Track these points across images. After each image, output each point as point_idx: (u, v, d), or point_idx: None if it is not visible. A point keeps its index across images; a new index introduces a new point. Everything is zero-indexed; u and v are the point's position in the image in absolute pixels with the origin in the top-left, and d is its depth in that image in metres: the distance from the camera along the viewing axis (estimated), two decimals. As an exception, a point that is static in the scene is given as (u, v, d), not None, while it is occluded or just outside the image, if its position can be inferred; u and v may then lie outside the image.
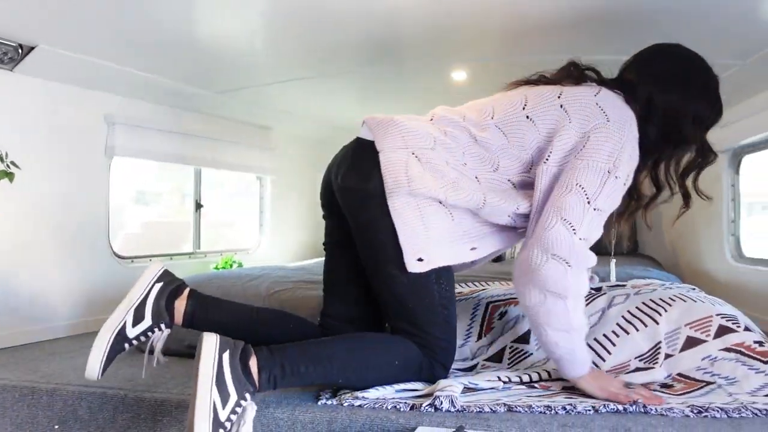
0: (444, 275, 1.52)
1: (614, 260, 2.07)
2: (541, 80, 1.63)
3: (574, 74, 1.60)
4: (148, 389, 1.65)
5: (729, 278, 3.20)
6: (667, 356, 1.61)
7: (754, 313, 2.85)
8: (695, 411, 1.35)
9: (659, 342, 1.63)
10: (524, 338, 1.76)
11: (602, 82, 1.59)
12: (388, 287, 1.52)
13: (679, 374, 1.58)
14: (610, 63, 2.45)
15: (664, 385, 1.56)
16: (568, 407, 1.38)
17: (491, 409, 1.38)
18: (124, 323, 1.47)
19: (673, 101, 1.52)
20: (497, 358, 1.73)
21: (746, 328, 1.64)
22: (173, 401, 1.59)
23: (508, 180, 1.52)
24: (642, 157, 1.51)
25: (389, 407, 1.41)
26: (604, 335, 1.69)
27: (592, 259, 1.47)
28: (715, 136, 2.94)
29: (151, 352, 1.52)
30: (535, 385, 1.57)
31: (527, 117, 1.50)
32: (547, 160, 1.46)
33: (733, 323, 1.64)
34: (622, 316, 1.71)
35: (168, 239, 3.39)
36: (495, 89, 3.14)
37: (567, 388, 1.54)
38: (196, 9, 2.00)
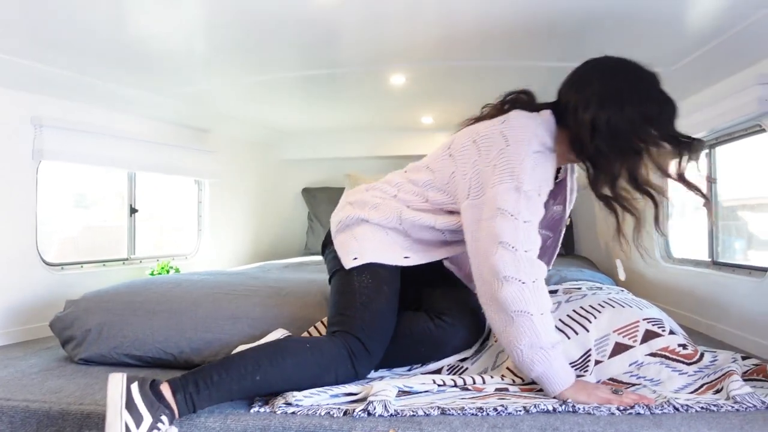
0: (370, 273, 1.67)
1: (618, 260, 2.13)
2: (484, 115, 1.74)
3: (501, 108, 1.72)
4: (75, 401, 1.59)
5: (659, 278, 3.32)
6: (597, 363, 1.65)
7: (681, 311, 2.97)
8: (621, 408, 1.39)
9: (589, 349, 1.66)
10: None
11: (535, 106, 1.68)
12: (330, 295, 1.75)
13: (610, 379, 1.62)
14: (545, 69, 2.51)
15: (593, 385, 1.60)
16: (499, 408, 1.40)
17: (424, 413, 1.39)
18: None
19: (615, 117, 1.54)
20: (435, 371, 1.74)
21: (671, 332, 1.70)
22: (101, 414, 1.53)
23: (434, 205, 1.70)
24: (605, 170, 1.59)
25: (323, 413, 1.40)
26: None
27: (542, 268, 1.54)
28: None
29: None
30: (469, 387, 1.58)
31: (450, 155, 1.68)
32: (468, 196, 1.59)
33: (658, 327, 1.70)
34: (555, 326, 1.74)
35: (108, 244, 3.28)
36: (433, 93, 3.20)
37: (500, 389, 1.56)
38: (127, 8, 1.94)
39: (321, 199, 4.62)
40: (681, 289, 3.02)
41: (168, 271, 3.22)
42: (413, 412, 1.40)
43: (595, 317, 1.72)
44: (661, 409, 1.39)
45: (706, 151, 2.79)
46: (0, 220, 2.42)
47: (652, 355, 1.64)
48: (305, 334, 1.87)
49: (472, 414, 1.38)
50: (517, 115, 1.62)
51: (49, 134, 2.58)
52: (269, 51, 2.43)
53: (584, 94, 1.58)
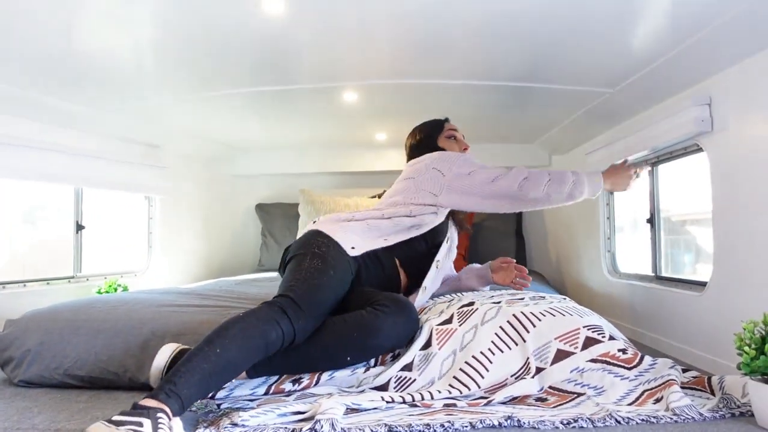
0: (322, 259, 1.91)
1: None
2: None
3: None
4: (12, 426, 1.53)
5: (606, 291, 3.40)
6: (539, 369, 1.69)
7: (627, 324, 3.05)
8: (564, 422, 1.42)
9: (528, 358, 1.71)
10: (408, 366, 1.77)
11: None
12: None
13: (551, 387, 1.66)
14: (493, 88, 2.57)
15: (539, 399, 1.63)
16: (446, 424, 1.41)
17: (372, 430, 1.39)
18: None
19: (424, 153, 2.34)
20: (383, 388, 1.73)
21: (611, 337, 1.76)
22: (39, 438, 1.49)
23: (406, 204, 2.18)
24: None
25: (269, 433, 1.39)
26: (481, 353, 1.74)
27: (518, 172, 2.13)
28: (594, 158, 3.13)
29: None
30: (417, 403, 1.59)
31: (409, 178, 2.23)
32: (440, 188, 2.15)
33: (598, 334, 1.75)
34: (495, 333, 1.78)
35: (56, 261, 3.19)
36: (386, 110, 3.23)
37: (448, 405, 1.57)
38: (74, 22, 1.91)
39: (275, 215, 4.59)
40: (626, 303, 3.10)
41: (116, 289, 3.14)
42: (360, 430, 1.39)
43: (535, 325, 1.77)
44: (604, 423, 1.42)
45: (649, 168, 2.88)
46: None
47: (593, 361, 1.69)
48: None
49: (420, 431, 1.39)
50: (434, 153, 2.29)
51: (-9, 149, 2.50)
52: (221, 67, 2.42)
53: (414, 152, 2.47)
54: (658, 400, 1.56)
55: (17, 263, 3.09)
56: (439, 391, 1.65)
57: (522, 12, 1.87)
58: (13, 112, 2.65)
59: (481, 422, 1.42)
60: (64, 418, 1.58)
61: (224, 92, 2.79)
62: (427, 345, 1.80)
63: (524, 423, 1.42)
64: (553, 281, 4.21)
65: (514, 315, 1.81)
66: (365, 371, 1.78)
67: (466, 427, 1.41)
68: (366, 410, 1.55)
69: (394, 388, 1.72)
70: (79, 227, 3.19)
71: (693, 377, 1.75)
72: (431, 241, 2.21)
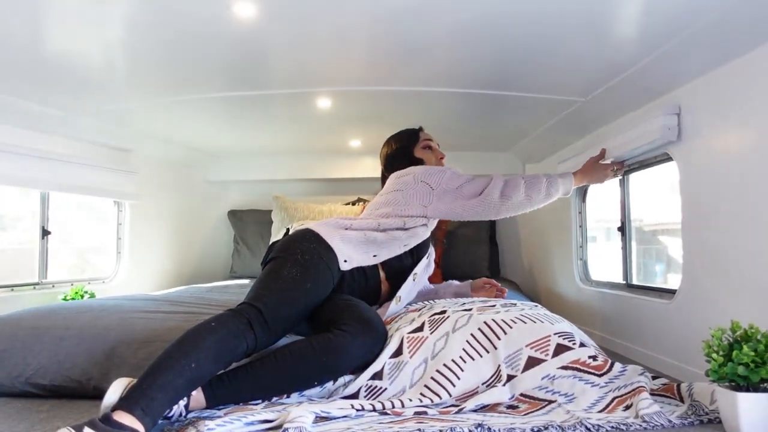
0: (302, 269, 1.85)
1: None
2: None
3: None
4: (-30, 437, 1.48)
5: (578, 299, 3.42)
6: (510, 377, 1.68)
7: (598, 332, 3.07)
8: (535, 430, 1.41)
9: (499, 365, 1.70)
10: (379, 375, 1.75)
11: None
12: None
13: (522, 395, 1.66)
14: (466, 96, 2.58)
15: (510, 407, 1.63)
16: (416, 432, 1.39)
17: (341, 439, 1.37)
18: None
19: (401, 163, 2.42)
20: (354, 397, 1.71)
21: (581, 344, 1.76)
22: (-4, 448, 1.44)
23: (400, 216, 2.19)
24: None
25: (236, 442, 1.36)
26: (453, 361, 1.73)
27: (496, 175, 2.27)
28: (567, 166, 3.16)
29: None
30: (388, 411, 1.57)
31: (397, 191, 2.25)
32: (430, 198, 2.20)
33: (569, 341, 1.76)
34: (467, 341, 1.77)
35: (22, 267, 3.11)
36: (360, 117, 3.22)
37: (419, 413, 1.56)
38: (43, 22, 1.87)
39: (248, 222, 4.54)
40: (597, 311, 3.13)
41: (82, 296, 3.07)
42: (329, 438, 1.37)
43: (506, 333, 1.77)
44: (574, 430, 1.42)
45: (620, 177, 2.91)
46: None
47: (564, 368, 1.70)
48: None
49: (389, 438, 1.37)
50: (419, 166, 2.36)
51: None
52: (192, 70, 2.39)
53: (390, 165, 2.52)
54: (628, 407, 1.56)
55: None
56: (410, 400, 1.63)
57: (493, 21, 1.88)
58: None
59: (451, 430, 1.41)
60: (24, 429, 1.53)
61: (196, 96, 2.75)
62: (398, 353, 1.79)
63: (495, 430, 1.41)
64: (527, 289, 4.23)
65: (485, 322, 1.81)
66: (334, 382, 1.75)
67: (437, 435, 1.39)
68: (335, 418, 1.52)
69: (365, 397, 1.70)
70: (45, 233, 3.12)
71: (662, 384, 1.77)
72: (417, 256, 2.21)
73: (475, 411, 1.60)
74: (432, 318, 1.89)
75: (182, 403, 1.54)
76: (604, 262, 3.39)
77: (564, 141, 3.43)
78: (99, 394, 1.81)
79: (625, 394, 1.62)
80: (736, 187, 1.92)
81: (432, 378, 1.71)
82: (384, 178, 2.49)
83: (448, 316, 1.87)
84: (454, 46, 2.12)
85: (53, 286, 3.13)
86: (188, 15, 1.84)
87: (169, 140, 3.73)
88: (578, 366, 1.70)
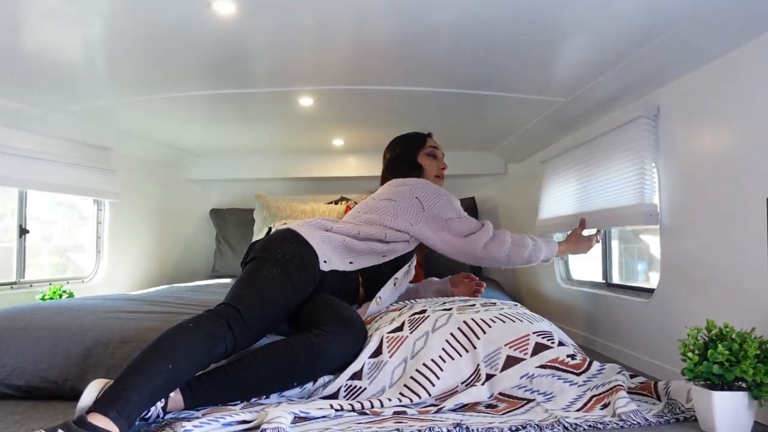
0: (282, 270, 1.83)
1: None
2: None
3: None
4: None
5: (559, 298, 3.44)
6: (489, 376, 1.69)
7: (578, 330, 3.09)
8: (513, 429, 1.42)
9: (478, 365, 1.71)
10: (358, 375, 1.74)
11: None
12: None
13: (501, 393, 1.67)
14: (449, 95, 2.58)
15: (489, 406, 1.63)
16: (395, 432, 1.39)
17: (319, 439, 1.37)
18: None
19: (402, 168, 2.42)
20: (333, 397, 1.70)
21: (560, 343, 1.77)
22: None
23: (383, 227, 2.14)
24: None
25: (214, 443, 1.35)
26: (432, 360, 1.73)
27: (486, 224, 2.22)
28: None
29: None
30: (367, 411, 1.57)
31: (389, 200, 2.21)
32: (418, 218, 2.16)
33: (548, 339, 1.77)
34: (446, 340, 1.77)
35: (7, 265, 3.06)
36: (343, 116, 3.22)
37: (398, 413, 1.56)
38: (21, 19, 1.84)
39: (230, 221, 4.51)
40: (578, 310, 3.15)
41: (60, 296, 3.04)
42: (308, 438, 1.37)
43: (485, 332, 1.78)
44: (552, 429, 1.43)
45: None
46: None
47: (543, 367, 1.71)
48: None
49: (368, 438, 1.37)
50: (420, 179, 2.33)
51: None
52: (173, 68, 2.37)
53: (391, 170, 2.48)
54: (605, 406, 1.58)
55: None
56: (390, 399, 1.63)
57: (474, 22, 1.88)
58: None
59: (430, 429, 1.41)
60: (-3, 430, 1.51)
61: (177, 94, 2.73)
62: (378, 353, 1.78)
63: (473, 430, 1.41)
64: (509, 288, 4.24)
65: (465, 322, 1.81)
66: (314, 383, 1.75)
67: (415, 434, 1.39)
68: (314, 418, 1.52)
69: (344, 397, 1.70)
70: (23, 231, 3.08)
71: (640, 383, 1.78)
72: (395, 266, 2.19)
73: (454, 410, 1.60)
74: (412, 317, 1.89)
75: (160, 404, 1.52)
76: (586, 262, 3.41)
77: (546, 141, 3.45)
78: (76, 395, 1.78)
79: (603, 392, 1.63)
80: (713, 188, 1.94)
81: (411, 377, 1.71)
82: (384, 178, 2.46)
83: (428, 316, 1.87)
84: (436, 45, 2.12)
85: (31, 286, 3.09)
86: (168, 12, 1.82)
87: (149, 138, 3.70)
88: (557, 365, 1.71)
